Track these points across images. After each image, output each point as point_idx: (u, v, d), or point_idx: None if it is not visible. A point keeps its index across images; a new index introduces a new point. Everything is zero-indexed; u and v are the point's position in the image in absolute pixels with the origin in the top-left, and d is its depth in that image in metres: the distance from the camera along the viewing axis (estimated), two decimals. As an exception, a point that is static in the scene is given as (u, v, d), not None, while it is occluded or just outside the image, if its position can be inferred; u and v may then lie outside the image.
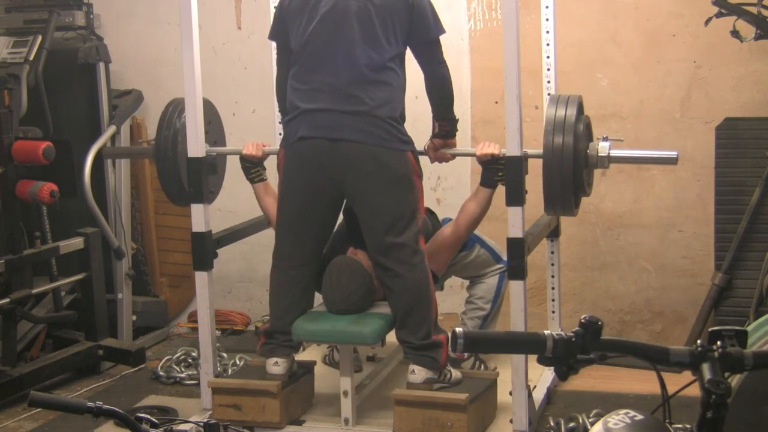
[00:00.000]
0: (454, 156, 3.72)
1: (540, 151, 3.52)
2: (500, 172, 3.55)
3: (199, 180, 3.76)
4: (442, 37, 3.51)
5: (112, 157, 4.92)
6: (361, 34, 3.39)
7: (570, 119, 3.49)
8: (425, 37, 3.47)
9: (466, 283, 4.20)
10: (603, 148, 3.56)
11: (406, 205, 3.45)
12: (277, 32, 3.62)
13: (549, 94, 4.16)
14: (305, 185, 3.50)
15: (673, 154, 3.62)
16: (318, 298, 3.70)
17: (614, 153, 3.58)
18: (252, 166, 3.87)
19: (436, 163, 3.76)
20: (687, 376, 1.42)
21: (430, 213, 4.03)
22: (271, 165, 3.92)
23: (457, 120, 3.64)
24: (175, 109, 3.95)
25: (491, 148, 3.55)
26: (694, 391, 1.43)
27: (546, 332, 1.41)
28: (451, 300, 4.76)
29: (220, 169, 4.15)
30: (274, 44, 3.90)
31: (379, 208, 3.45)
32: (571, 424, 3.51)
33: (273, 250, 3.64)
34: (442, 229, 3.80)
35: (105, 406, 1.74)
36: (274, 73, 3.88)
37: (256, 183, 3.89)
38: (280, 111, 3.90)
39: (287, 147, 3.53)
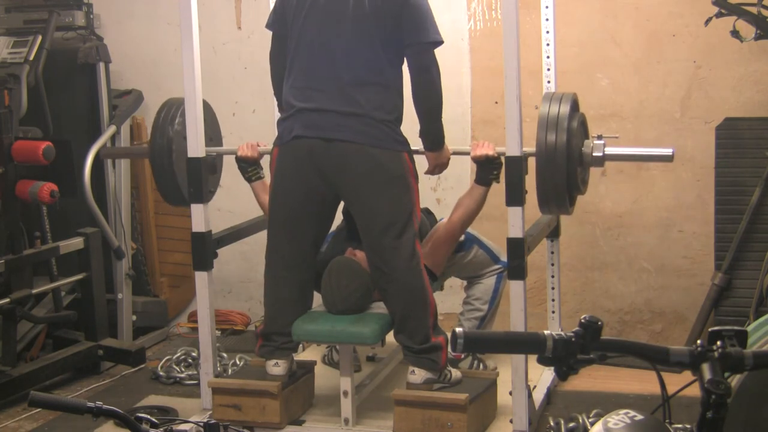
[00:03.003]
0: (447, 161, 3.67)
1: (534, 149, 3.47)
2: (495, 171, 3.54)
3: (199, 180, 3.75)
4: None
5: (110, 157, 4.92)
6: (359, 35, 3.36)
7: (563, 116, 3.44)
8: (413, 37, 3.34)
9: (465, 283, 4.20)
10: (597, 146, 3.54)
11: (403, 207, 3.42)
12: (278, 21, 3.54)
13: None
14: (299, 185, 3.48)
15: (668, 151, 3.57)
16: (317, 298, 3.70)
17: (609, 151, 3.54)
18: (248, 166, 3.90)
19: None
20: (687, 376, 1.41)
21: (428, 213, 4.04)
22: (266, 165, 3.91)
23: (443, 133, 3.53)
24: (167, 114, 3.95)
25: (486, 149, 3.55)
26: (694, 391, 1.42)
27: (546, 332, 1.40)
28: (451, 300, 4.76)
29: (218, 167, 4.15)
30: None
31: (375, 210, 3.42)
32: (571, 424, 3.52)
33: (265, 250, 3.62)
34: (436, 226, 3.81)
35: (105, 406, 1.74)
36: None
37: (253, 182, 3.91)
38: (278, 107, 3.80)
39: (281, 146, 3.50)
